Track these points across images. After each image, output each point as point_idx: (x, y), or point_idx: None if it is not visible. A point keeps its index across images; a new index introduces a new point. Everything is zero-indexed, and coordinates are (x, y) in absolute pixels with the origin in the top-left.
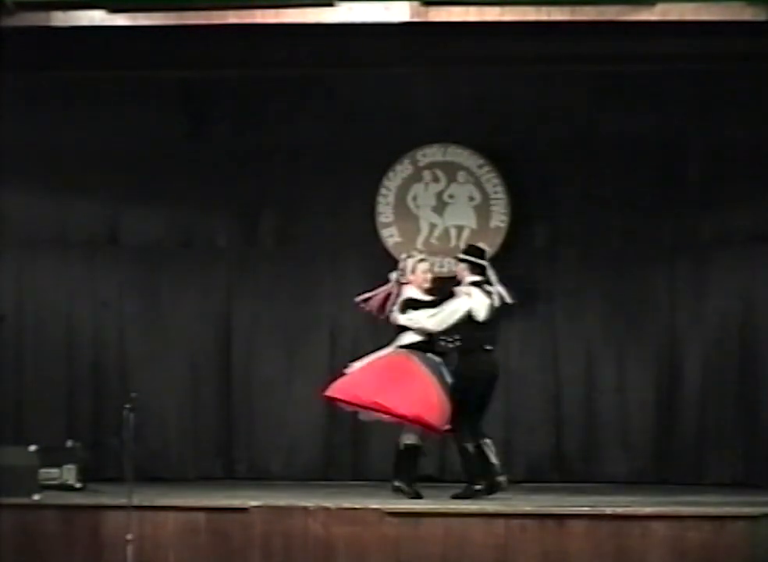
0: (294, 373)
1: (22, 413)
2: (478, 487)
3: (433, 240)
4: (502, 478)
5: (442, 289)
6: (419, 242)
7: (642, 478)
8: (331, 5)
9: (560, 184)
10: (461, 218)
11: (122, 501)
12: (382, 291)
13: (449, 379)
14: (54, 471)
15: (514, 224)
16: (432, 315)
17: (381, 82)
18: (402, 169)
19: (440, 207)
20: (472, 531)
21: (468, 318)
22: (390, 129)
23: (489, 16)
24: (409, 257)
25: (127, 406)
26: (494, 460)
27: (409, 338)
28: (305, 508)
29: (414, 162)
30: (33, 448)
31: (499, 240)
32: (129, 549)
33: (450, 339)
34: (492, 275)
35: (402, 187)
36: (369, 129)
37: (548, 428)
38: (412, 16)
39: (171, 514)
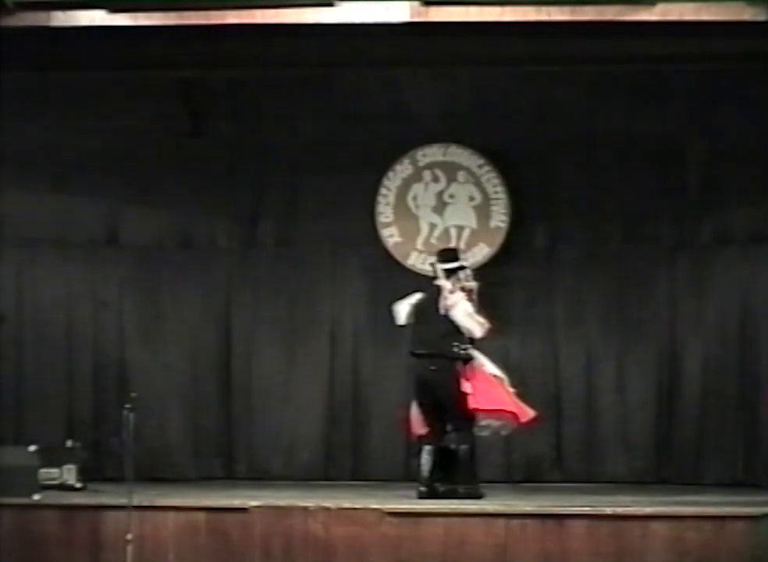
0: (294, 373)
1: (22, 413)
2: (422, 489)
3: (433, 240)
4: (440, 486)
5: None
6: (419, 242)
7: (642, 478)
8: (331, 5)
9: (560, 184)
10: (461, 218)
11: (122, 501)
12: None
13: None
14: (54, 471)
15: (514, 224)
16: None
17: (381, 82)
18: (402, 169)
19: (440, 207)
20: (472, 531)
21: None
22: (390, 129)
23: (489, 16)
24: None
25: (127, 406)
26: (430, 468)
27: None
28: (305, 508)
29: (414, 162)
30: (33, 448)
31: (499, 240)
32: (129, 549)
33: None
34: (442, 281)
35: (402, 187)
36: (369, 129)
37: (548, 428)
38: (412, 15)
39: (171, 514)
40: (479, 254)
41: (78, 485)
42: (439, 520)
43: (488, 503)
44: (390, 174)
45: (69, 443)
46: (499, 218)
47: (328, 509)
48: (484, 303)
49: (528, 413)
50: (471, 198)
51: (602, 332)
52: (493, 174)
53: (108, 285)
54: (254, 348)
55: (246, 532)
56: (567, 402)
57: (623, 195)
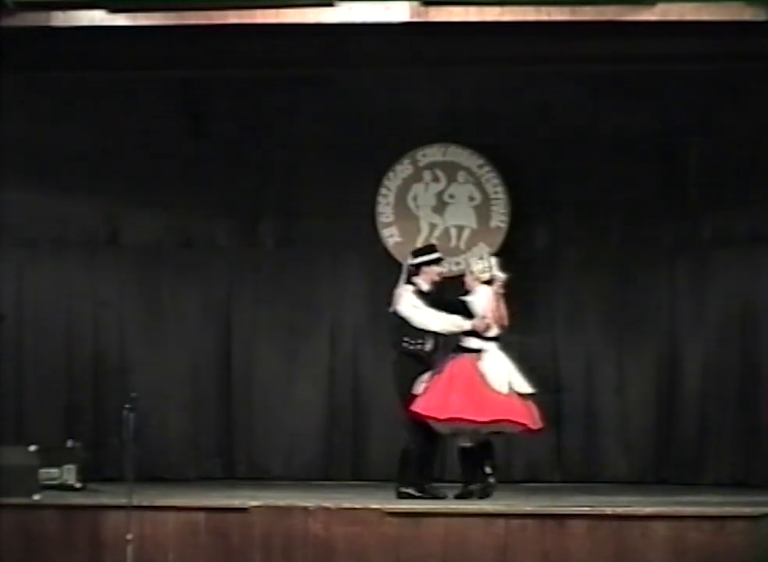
0: (294, 373)
1: (22, 413)
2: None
3: (433, 240)
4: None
5: (444, 289)
6: (419, 242)
7: (642, 478)
8: (331, 5)
9: (560, 184)
10: (461, 218)
11: (122, 501)
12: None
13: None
14: (54, 471)
15: (514, 224)
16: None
17: (381, 82)
18: (402, 169)
19: (440, 207)
20: (472, 531)
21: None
22: (390, 129)
23: (489, 15)
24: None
25: (127, 406)
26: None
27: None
28: (305, 508)
29: (414, 162)
30: (33, 448)
31: (499, 240)
32: (129, 549)
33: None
34: (402, 276)
35: (402, 187)
36: (369, 129)
37: (548, 428)
38: (412, 16)
39: (171, 514)
40: (479, 254)
41: (78, 485)
42: (439, 520)
43: (488, 503)
44: (390, 174)
45: (69, 443)
46: (499, 218)
47: (328, 509)
48: None
49: (527, 419)
50: (471, 198)
51: (602, 332)
52: (493, 174)
53: (108, 285)
54: (254, 348)
55: (246, 532)
56: (567, 402)
57: (623, 195)
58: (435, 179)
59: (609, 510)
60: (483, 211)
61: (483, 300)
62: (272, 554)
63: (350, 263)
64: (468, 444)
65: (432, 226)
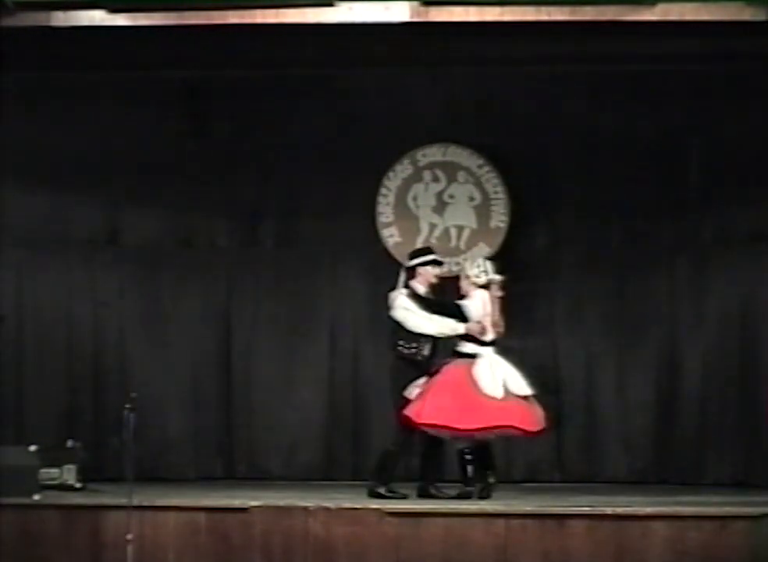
0: (294, 373)
1: (22, 413)
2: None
3: (433, 240)
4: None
5: (443, 290)
6: (419, 242)
7: (642, 478)
8: (331, 5)
9: (560, 184)
10: (461, 218)
11: (122, 501)
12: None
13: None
14: (54, 471)
15: (514, 224)
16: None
17: (381, 82)
18: (402, 169)
19: (440, 207)
20: (472, 531)
21: None
22: (390, 129)
23: (489, 15)
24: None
25: (127, 406)
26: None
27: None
28: (305, 508)
29: (414, 162)
30: (33, 448)
31: (499, 240)
32: (129, 549)
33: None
34: (400, 279)
35: (402, 187)
36: (369, 129)
37: (548, 428)
38: (412, 16)
39: (171, 514)
40: (479, 254)
41: (78, 485)
42: (439, 520)
43: (488, 503)
44: (390, 174)
45: (69, 443)
46: (499, 218)
47: (328, 509)
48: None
49: (524, 422)
50: (471, 198)
51: (602, 332)
52: (493, 174)
53: (108, 285)
54: (254, 348)
55: (246, 532)
56: (567, 402)
57: (623, 195)
58: (435, 179)
59: (609, 510)
60: (483, 211)
61: (478, 304)
62: (272, 554)
63: (350, 263)
64: (467, 445)
65: (432, 226)
